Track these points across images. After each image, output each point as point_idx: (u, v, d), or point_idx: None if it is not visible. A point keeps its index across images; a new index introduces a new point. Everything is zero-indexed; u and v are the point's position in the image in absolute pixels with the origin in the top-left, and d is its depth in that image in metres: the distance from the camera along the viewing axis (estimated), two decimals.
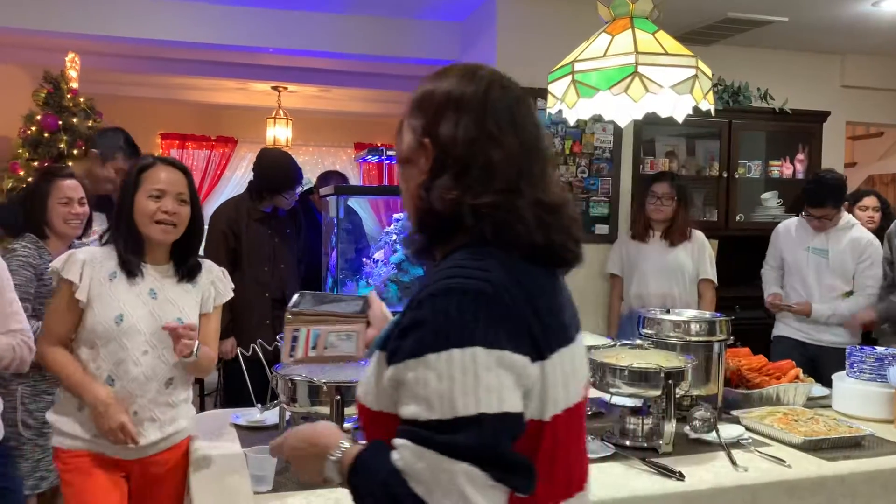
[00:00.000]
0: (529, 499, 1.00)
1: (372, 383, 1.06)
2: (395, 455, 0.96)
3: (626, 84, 2.24)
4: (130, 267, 2.00)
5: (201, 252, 2.19)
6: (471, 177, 1.06)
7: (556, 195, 1.12)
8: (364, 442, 1.08)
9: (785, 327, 3.76)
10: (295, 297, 1.63)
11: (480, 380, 0.94)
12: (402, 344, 0.99)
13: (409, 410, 0.96)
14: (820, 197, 3.57)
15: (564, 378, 1.05)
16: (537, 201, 1.08)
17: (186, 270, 2.09)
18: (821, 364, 3.42)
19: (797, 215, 3.80)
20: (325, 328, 1.51)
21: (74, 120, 4.62)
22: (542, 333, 1.01)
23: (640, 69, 2.23)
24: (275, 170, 3.76)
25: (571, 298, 1.17)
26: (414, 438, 0.95)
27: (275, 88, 6.76)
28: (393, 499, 0.94)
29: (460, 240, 1.07)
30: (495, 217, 1.04)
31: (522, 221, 1.05)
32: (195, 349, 1.94)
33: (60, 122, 4.57)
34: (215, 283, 2.16)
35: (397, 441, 0.97)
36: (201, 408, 4.95)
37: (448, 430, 0.93)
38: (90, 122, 4.69)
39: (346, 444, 1.07)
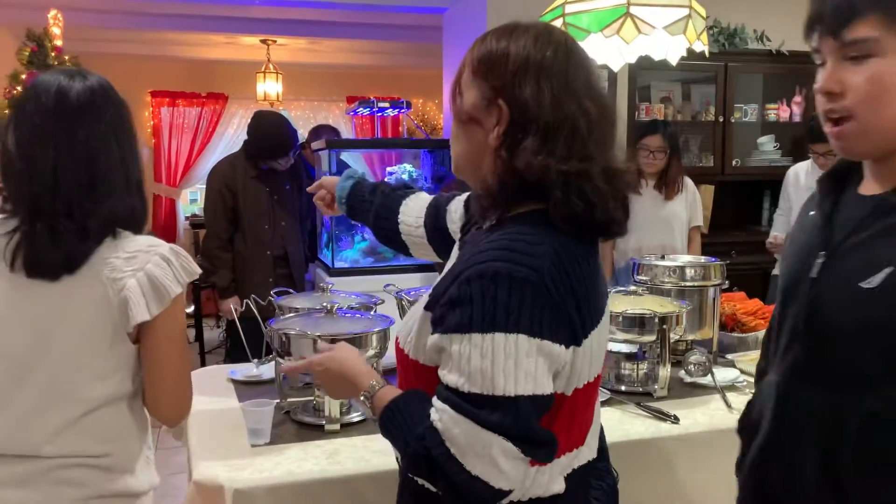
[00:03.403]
0: None
1: (413, 335, 1.15)
2: (434, 415, 1.06)
3: (617, 25, 2.19)
4: None
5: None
6: (556, 142, 1.07)
7: (619, 161, 1.14)
8: (394, 383, 1.20)
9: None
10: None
11: (521, 365, 1.01)
12: (448, 315, 1.05)
13: (451, 378, 1.04)
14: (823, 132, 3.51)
15: (591, 356, 1.13)
16: (605, 168, 1.10)
17: None
18: None
19: (796, 159, 3.76)
20: None
21: None
22: (580, 320, 1.07)
23: (632, 10, 2.18)
24: (270, 135, 3.70)
25: (602, 267, 1.20)
26: (454, 406, 1.03)
27: (263, 42, 6.63)
28: (428, 453, 1.04)
29: (525, 207, 1.10)
30: (578, 186, 1.07)
31: (596, 192, 1.08)
32: None
33: None
34: None
35: (438, 404, 1.06)
36: (202, 364, 4.99)
37: (486, 405, 1.01)
38: None
39: (377, 386, 1.18)
